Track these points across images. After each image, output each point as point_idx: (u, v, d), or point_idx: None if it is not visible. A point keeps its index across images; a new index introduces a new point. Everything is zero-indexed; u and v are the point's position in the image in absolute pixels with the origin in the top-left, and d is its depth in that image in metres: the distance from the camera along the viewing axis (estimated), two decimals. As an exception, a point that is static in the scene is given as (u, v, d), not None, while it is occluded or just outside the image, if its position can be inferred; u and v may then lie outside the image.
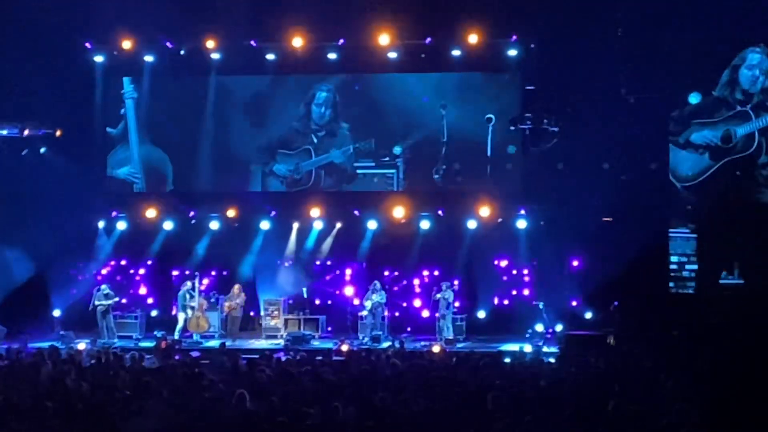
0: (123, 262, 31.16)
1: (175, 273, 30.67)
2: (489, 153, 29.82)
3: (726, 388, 15.64)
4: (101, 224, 30.83)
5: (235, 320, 28.67)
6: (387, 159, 30.16)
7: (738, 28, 26.12)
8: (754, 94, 26.73)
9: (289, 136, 30.54)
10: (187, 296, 28.51)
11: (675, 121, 27.10)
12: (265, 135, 30.65)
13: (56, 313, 29.51)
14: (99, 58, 30.26)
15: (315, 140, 30.39)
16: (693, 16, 26.17)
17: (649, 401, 14.56)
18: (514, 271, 30.06)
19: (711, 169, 26.83)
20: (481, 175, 29.96)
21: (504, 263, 30.15)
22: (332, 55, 29.66)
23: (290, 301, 29.97)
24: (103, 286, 28.74)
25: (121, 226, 30.77)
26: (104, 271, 30.74)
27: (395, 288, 30.32)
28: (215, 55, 29.82)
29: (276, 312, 29.41)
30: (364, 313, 28.74)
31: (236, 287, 29.06)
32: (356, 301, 29.50)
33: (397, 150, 30.02)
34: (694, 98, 26.72)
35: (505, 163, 29.77)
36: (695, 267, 27.14)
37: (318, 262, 30.89)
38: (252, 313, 30.10)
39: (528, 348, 25.09)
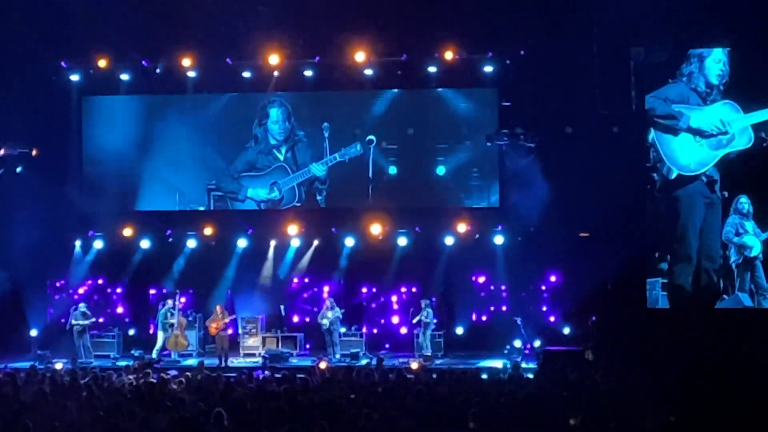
0: (100, 281, 31.08)
1: (152, 292, 30.67)
2: (370, 174, 29.97)
3: (699, 402, 15.73)
4: (78, 243, 30.75)
5: (223, 339, 28.42)
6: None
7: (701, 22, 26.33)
8: (715, 87, 26.81)
9: (252, 159, 30.53)
10: (167, 315, 28.42)
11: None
12: (223, 157, 30.66)
13: (33, 332, 29.37)
14: (74, 77, 30.19)
15: (281, 157, 30.37)
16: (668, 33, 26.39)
17: (625, 417, 14.57)
18: (492, 287, 30.11)
19: (714, 159, 26.79)
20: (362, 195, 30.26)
21: (482, 279, 30.20)
22: (308, 73, 29.70)
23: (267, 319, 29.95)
24: (81, 305, 28.62)
25: (98, 245, 30.69)
26: (81, 290, 30.63)
27: (373, 305, 30.32)
28: (191, 74, 29.80)
29: (254, 330, 29.34)
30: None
31: (218, 308, 28.80)
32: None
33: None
34: None
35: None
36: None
37: (296, 280, 30.84)
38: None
39: (507, 364, 25.11)
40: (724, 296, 26.72)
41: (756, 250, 26.49)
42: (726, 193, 26.61)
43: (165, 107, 30.88)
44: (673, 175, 26.89)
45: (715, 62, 26.59)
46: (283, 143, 30.39)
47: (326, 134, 30.07)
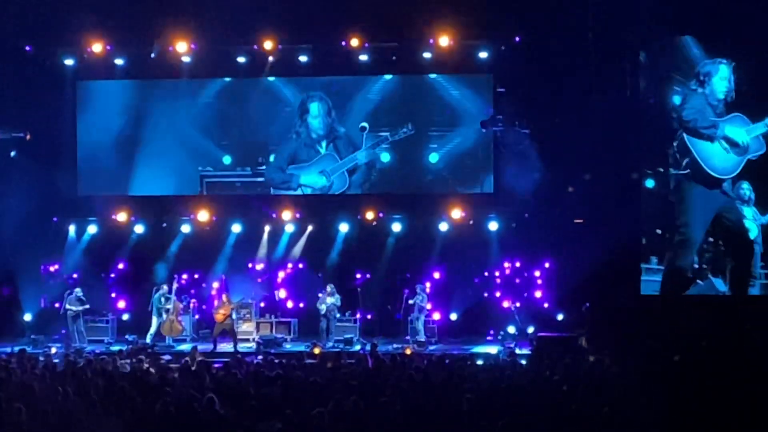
0: (94, 266, 31.01)
1: (146, 277, 30.63)
2: (364, 161, 29.97)
3: (691, 390, 15.76)
4: (72, 228, 30.72)
5: (229, 325, 28.24)
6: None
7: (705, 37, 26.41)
8: (721, 102, 26.87)
9: (292, 151, 30.38)
10: (162, 300, 28.39)
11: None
12: (216, 143, 30.56)
13: (27, 317, 29.36)
14: (69, 62, 30.08)
15: (322, 151, 30.26)
16: (662, 20, 26.38)
17: (617, 403, 14.60)
18: (486, 273, 30.10)
19: (739, 165, 26.91)
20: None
21: (475, 265, 30.18)
22: (303, 58, 29.65)
23: (262, 304, 29.94)
24: (77, 290, 28.57)
25: (92, 229, 30.65)
26: (75, 275, 30.59)
27: (367, 291, 30.26)
28: (186, 58, 29.73)
29: (248, 315, 29.33)
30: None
31: (224, 296, 28.59)
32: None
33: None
34: None
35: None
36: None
37: (290, 266, 30.83)
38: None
39: (501, 350, 25.16)
40: (698, 281, 26.89)
41: (753, 234, 26.58)
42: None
43: (159, 92, 30.81)
44: (695, 175, 26.92)
45: (722, 79, 26.67)
46: (324, 138, 30.25)
47: None
